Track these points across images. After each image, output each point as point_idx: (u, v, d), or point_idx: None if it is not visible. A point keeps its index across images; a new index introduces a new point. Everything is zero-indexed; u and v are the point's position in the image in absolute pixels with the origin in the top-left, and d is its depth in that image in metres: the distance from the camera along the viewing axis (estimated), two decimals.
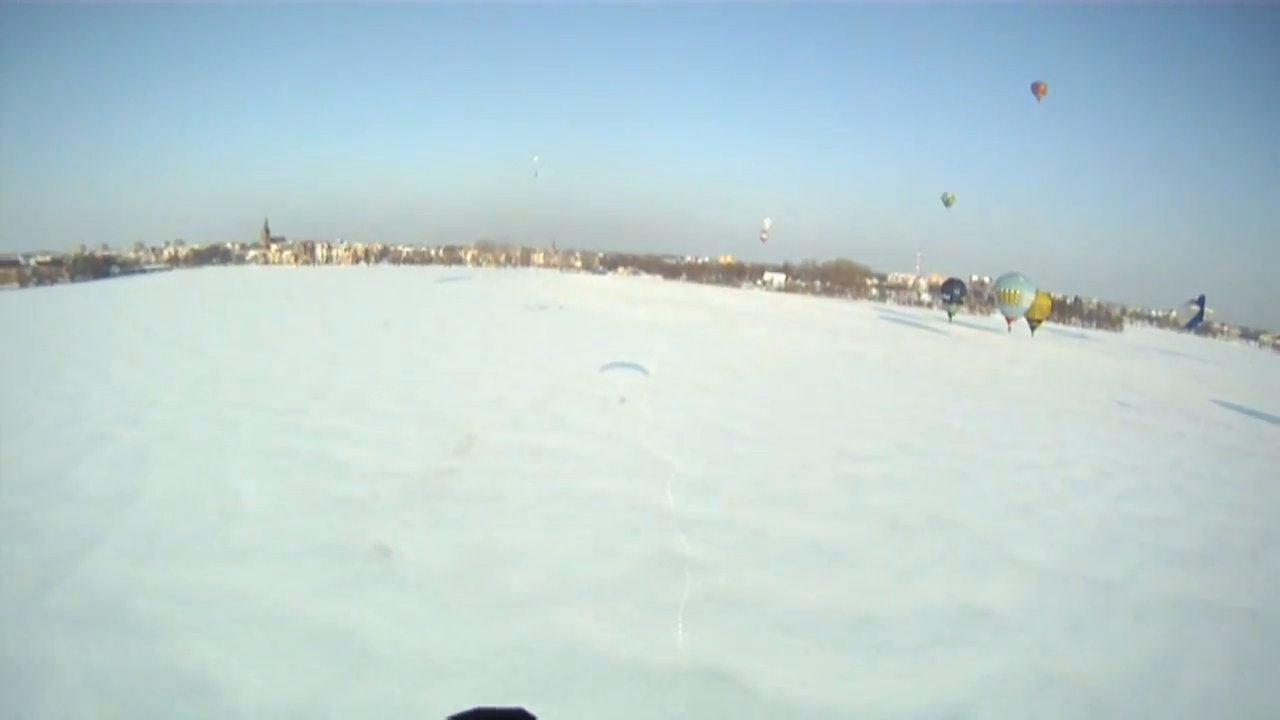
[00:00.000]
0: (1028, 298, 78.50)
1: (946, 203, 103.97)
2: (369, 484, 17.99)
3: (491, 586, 13.20)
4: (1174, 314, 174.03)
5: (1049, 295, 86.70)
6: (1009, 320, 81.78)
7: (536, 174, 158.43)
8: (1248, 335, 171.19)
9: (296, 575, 13.26)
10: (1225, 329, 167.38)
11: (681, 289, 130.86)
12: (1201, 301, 73.90)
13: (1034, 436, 29.43)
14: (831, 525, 16.97)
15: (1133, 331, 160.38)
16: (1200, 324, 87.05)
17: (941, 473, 22.33)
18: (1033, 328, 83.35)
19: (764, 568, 14.62)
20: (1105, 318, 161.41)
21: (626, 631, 11.95)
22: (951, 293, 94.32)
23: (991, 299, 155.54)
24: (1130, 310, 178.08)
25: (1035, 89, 79.89)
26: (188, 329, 47.16)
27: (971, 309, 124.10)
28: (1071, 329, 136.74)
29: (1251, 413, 46.13)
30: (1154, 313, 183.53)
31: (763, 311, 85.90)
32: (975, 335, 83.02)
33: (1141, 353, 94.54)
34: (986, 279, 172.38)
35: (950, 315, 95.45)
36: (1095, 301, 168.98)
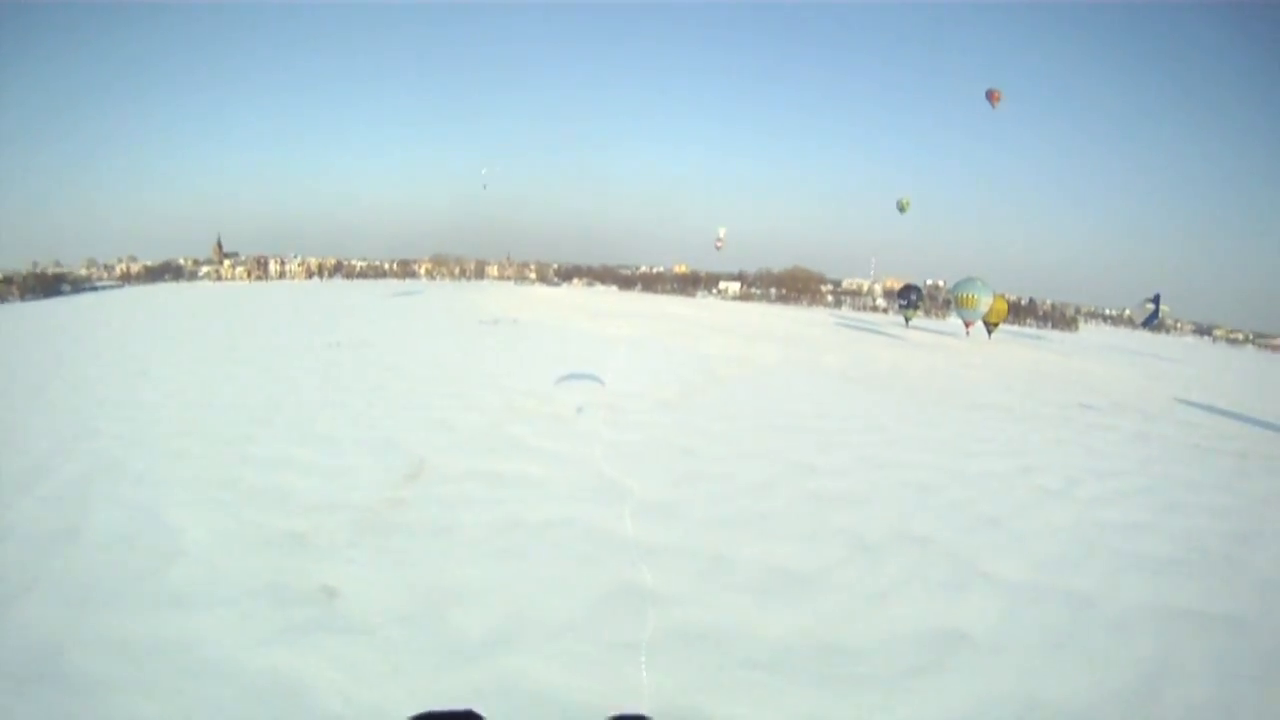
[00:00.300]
0: (985, 302, 79.18)
1: (901, 209, 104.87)
2: (315, 518, 16.86)
3: (444, 631, 12.22)
4: (1128, 312, 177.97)
5: (1005, 298, 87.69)
6: (967, 325, 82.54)
7: (485, 186, 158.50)
8: (1200, 331, 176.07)
9: (241, 622, 12.21)
10: (1179, 325, 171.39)
11: (636, 300, 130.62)
12: (1157, 300, 75.25)
13: (998, 444, 29.11)
14: (797, 548, 16.22)
15: (1088, 331, 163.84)
16: (1156, 322, 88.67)
17: (907, 485, 21.77)
18: (989, 331, 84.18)
19: (729, 598, 13.79)
20: (1060, 318, 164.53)
21: (587, 674, 11.07)
22: (908, 298, 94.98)
23: (948, 303, 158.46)
24: (1084, 310, 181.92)
25: (990, 96, 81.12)
26: (134, 350, 45.32)
27: (927, 313, 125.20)
28: (1027, 330, 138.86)
29: (1214, 410, 46.73)
30: (1107, 311, 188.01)
31: (719, 322, 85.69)
32: (932, 340, 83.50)
33: (1098, 352, 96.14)
34: (941, 283, 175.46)
35: (907, 321, 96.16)
36: (1049, 302, 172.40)
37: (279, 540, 15.67)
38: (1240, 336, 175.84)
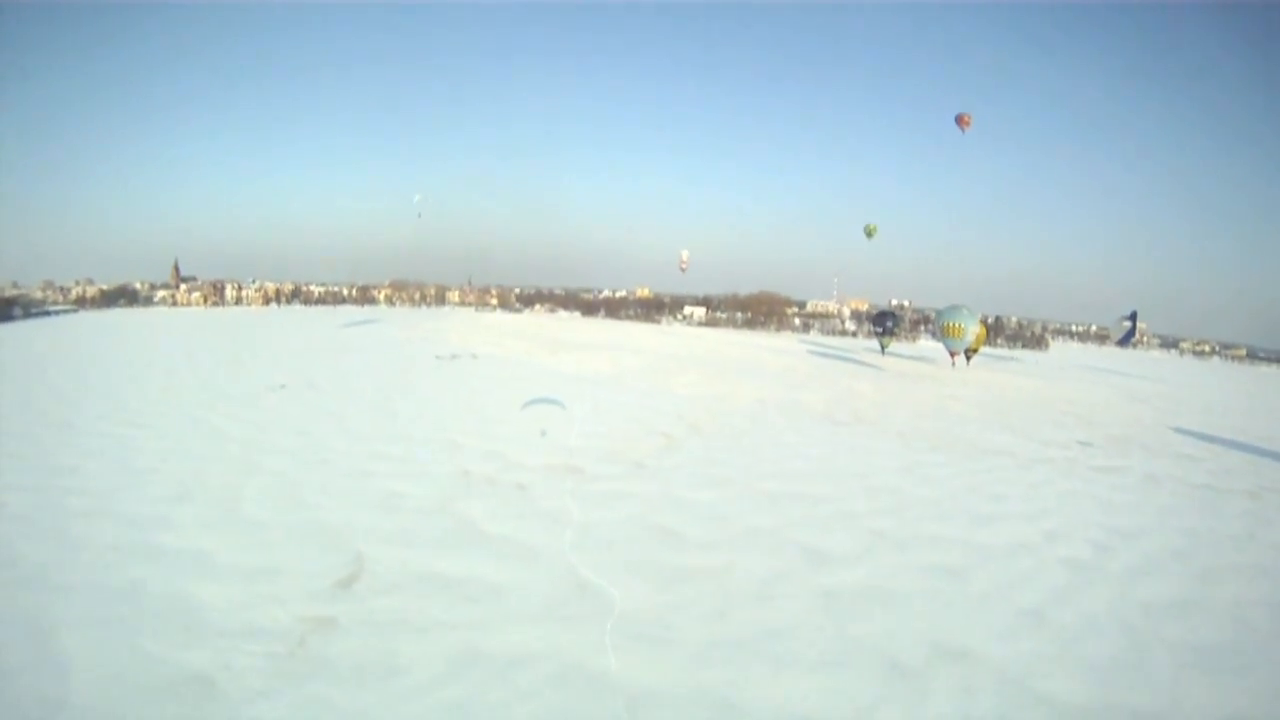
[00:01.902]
0: (972, 331, 78.49)
1: (869, 234, 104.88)
2: (227, 650, 14.07)
3: None
4: (1095, 328, 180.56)
5: (984, 322, 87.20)
6: (952, 354, 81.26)
7: (419, 215, 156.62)
8: (1167, 345, 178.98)
9: None
10: (1145, 340, 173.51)
11: (601, 327, 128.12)
12: (1134, 318, 75.04)
13: (1011, 501, 27.39)
14: (821, 682, 13.84)
15: (1058, 349, 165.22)
16: (1133, 339, 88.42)
17: (931, 572, 19.61)
18: (968, 357, 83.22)
19: None
20: (1029, 337, 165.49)
21: None
22: (884, 325, 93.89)
23: (916, 324, 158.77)
24: (1051, 327, 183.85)
25: (959, 121, 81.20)
26: (62, 393, 42.26)
27: (897, 336, 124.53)
28: (999, 351, 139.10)
29: (1210, 439, 46.14)
30: (1074, 328, 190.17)
31: (689, 353, 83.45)
32: (911, 369, 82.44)
33: (1076, 374, 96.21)
34: (906, 303, 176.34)
35: (884, 348, 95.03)
36: (1015, 320, 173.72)
37: (182, 684, 12.98)
38: (1206, 349, 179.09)
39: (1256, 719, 13.24)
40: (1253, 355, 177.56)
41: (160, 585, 16.89)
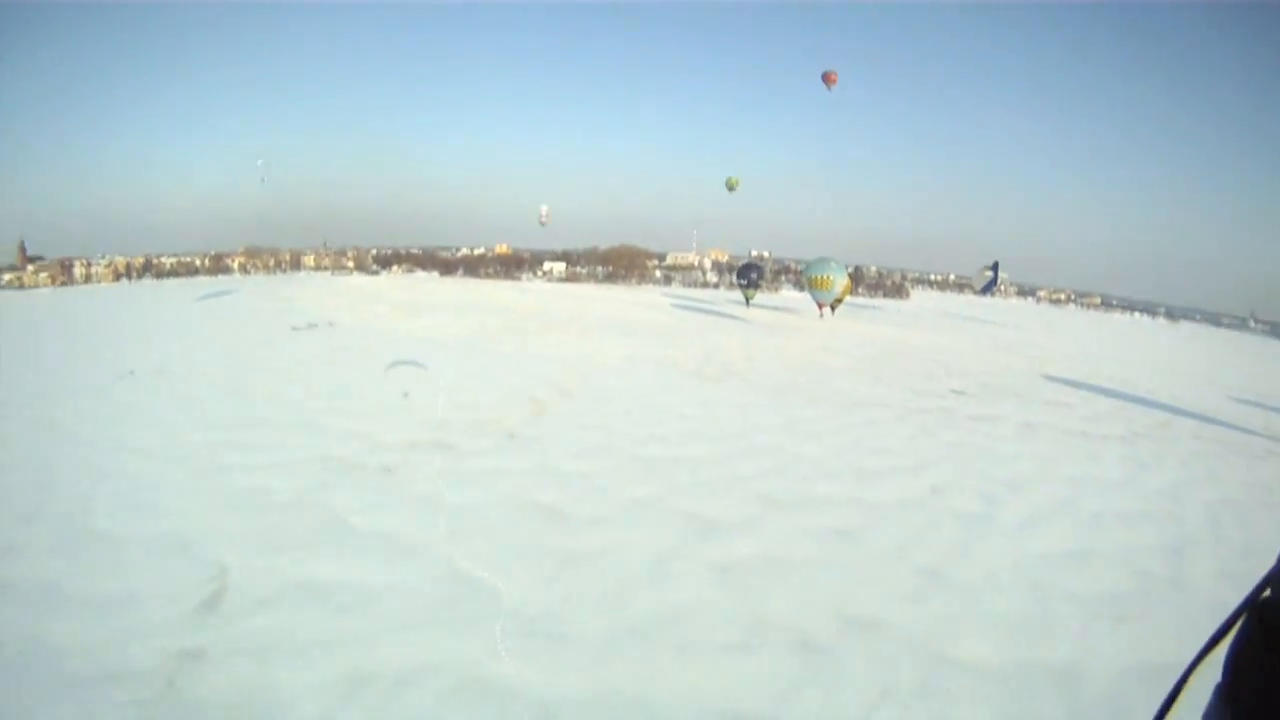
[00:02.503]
0: (841, 283, 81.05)
1: (730, 187, 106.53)
2: (89, 701, 11.86)
3: None
4: (953, 277, 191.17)
5: (849, 273, 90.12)
6: (820, 306, 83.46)
7: (264, 180, 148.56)
8: (1024, 292, 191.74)
9: None
10: (1004, 288, 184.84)
11: (461, 287, 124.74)
12: (996, 268, 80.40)
13: (894, 454, 28.09)
14: (733, 665, 13.29)
15: (918, 297, 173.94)
16: (995, 288, 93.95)
17: (824, 535, 19.60)
18: (833, 307, 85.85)
19: None
20: (890, 286, 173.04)
21: None
22: (749, 277, 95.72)
23: (776, 274, 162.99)
24: (910, 276, 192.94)
25: (826, 78, 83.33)
26: None
27: (761, 288, 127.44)
28: (861, 300, 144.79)
29: (1077, 385, 49.57)
30: (933, 277, 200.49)
31: (552, 310, 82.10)
32: (777, 320, 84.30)
33: (939, 321, 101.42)
34: (767, 253, 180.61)
35: (748, 300, 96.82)
36: (875, 269, 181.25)
37: None
38: (1062, 297, 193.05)
39: (1166, 664, 13.61)
40: (1106, 303, 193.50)
41: (10, 629, 14.42)
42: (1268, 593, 1.55)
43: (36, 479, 23.38)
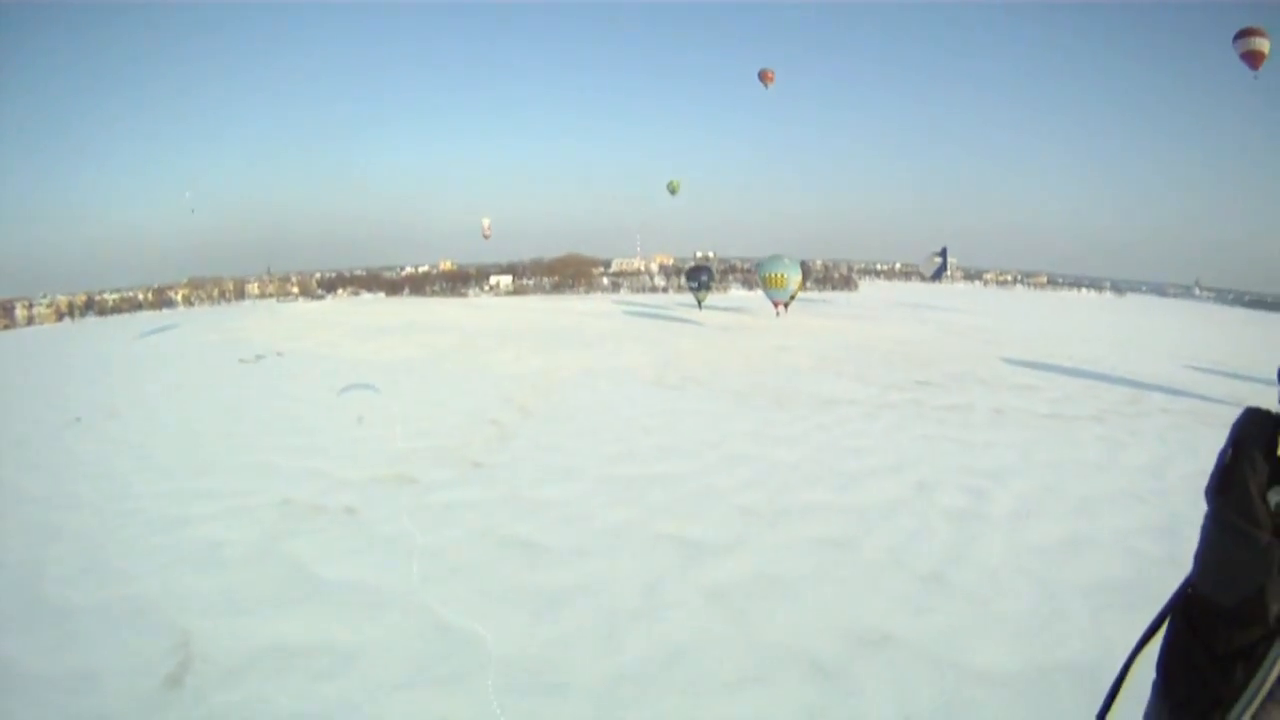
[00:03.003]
0: (795, 280, 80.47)
1: (672, 191, 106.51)
2: None
3: None
4: (899, 265, 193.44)
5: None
6: (776, 305, 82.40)
7: (193, 211, 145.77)
8: (970, 276, 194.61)
9: None
10: (951, 274, 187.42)
11: (409, 306, 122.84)
12: (944, 254, 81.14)
13: (871, 454, 27.66)
14: (746, 701, 12.57)
15: (866, 287, 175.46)
16: (944, 274, 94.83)
17: (818, 546, 18.96)
18: (787, 304, 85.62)
19: None
20: (838, 279, 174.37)
21: None
22: (699, 279, 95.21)
23: (725, 274, 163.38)
24: (857, 267, 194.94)
25: (763, 76, 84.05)
26: None
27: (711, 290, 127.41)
28: (810, 295, 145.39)
29: (1039, 366, 49.91)
30: (879, 266, 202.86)
31: (503, 326, 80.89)
32: (731, 321, 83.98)
33: (892, 311, 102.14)
34: (711, 254, 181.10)
35: (700, 303, 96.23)
36: (821, 263, 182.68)
37: None
38: (1009, 278, 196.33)
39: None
40: (1053, 281, 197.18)
41: None
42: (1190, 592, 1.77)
43: None
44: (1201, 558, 1.77)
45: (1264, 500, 1.64)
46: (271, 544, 20.53)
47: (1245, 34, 50.12)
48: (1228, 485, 1.69)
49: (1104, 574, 17.37)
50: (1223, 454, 1.72)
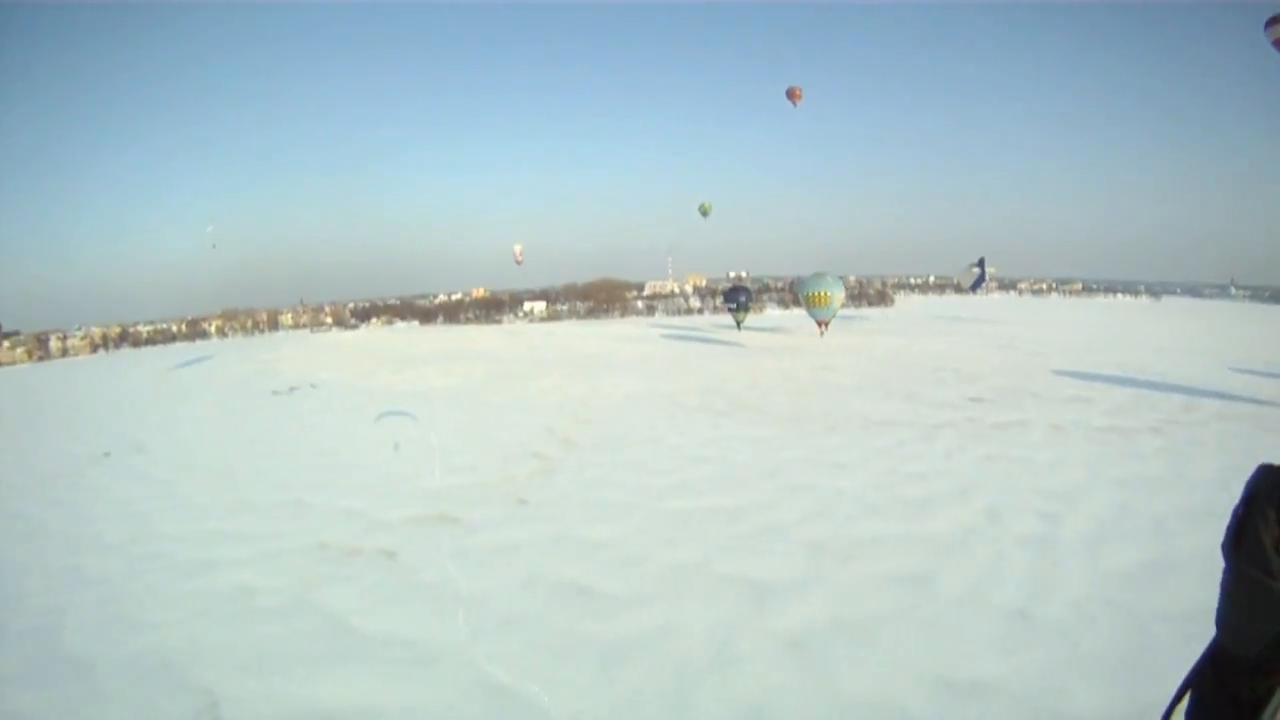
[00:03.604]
0: (839, 297, 79.51)
1: (704, 213, 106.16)
2: None
3: None
4: (932, 278, 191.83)
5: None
6: (820, 324, 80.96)
7: (214, 245, 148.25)
8: (1005, 286, 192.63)
9: None
10: (988, 285, 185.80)
11: (443, 335, 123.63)
12: (982, 264, 79.55)
13: (933, 478, 26.74)
14: None
15: (902, 302, 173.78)
16: (983, 285, 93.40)
17: (892, 585, 18.05)
18: (827, 323, 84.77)
19: None
20: (873, 294, 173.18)
21: None
22: (738, 300, 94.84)
23: (760, 294, 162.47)
24: (891, 281, 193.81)
25: (790, 95, 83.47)
26: None
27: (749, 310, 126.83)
28: (847, 311, 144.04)
29: (1089, 377, 48.54)
30: (913, 280, 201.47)
31: (540, 353, 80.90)
32: (772, 342, 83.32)
33: (931, 325, 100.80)
34: (745, 273, 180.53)
35: (739, 324, 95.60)
36: (854, 278, 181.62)
37: None
38: (1043, 287, 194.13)
39: None
40: (1088, 288, 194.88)
41: None
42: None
43: (2, 588, 21.70)
44: (1224, 613, 1.82)
45: (1277, 552, 1.69)
46: (305, 592, 19.88)
47: (1277, 20, 48.83)
48: (1241, 539, 1.75)
49: (1189, 599, 16.23)
50: (1236, 510, 1.77)
